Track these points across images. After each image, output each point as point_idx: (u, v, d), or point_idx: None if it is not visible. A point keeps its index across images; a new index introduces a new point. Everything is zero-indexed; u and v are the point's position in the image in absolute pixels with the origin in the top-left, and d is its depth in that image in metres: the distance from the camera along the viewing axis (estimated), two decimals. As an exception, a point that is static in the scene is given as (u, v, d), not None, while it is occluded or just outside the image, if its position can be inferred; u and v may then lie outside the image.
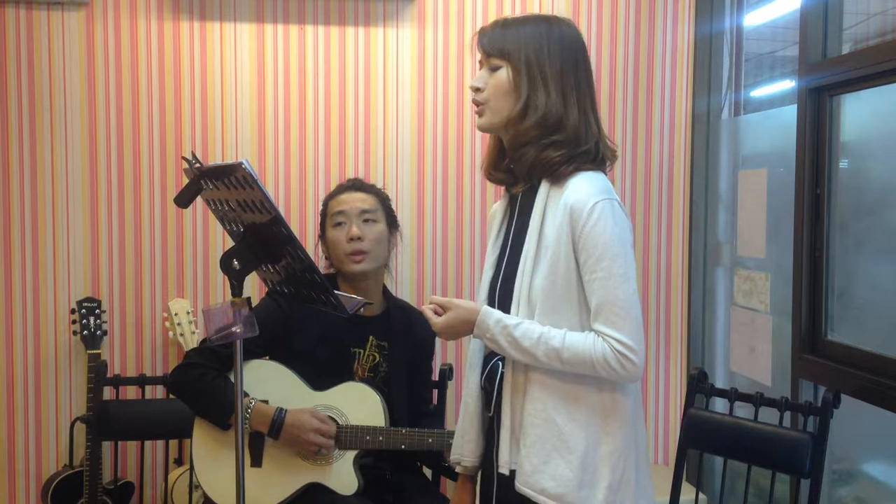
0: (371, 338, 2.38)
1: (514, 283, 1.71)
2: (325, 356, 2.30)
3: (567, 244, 1.63)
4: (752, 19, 3.09)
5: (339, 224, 2.36)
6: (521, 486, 1.65)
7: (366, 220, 2.36)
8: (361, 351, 2.37)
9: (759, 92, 3.19)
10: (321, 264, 2.51)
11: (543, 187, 1.71)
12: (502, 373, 1.72)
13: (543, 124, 1.69)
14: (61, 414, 2.90)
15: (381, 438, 2.21)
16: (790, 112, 2.52)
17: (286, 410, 2.18)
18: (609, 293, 1.61)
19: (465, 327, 1.70)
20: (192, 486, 2.51)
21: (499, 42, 1.73)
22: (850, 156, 2.41)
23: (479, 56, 1.79)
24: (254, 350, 2.24)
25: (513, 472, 1.68)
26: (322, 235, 2.46)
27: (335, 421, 2.23)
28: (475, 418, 1.82)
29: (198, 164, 1.59)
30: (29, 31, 2.83)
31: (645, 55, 3.12)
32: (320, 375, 2.28)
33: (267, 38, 2.94)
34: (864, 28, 2.55)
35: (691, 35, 3.14)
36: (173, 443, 2.80)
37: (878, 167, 2.39)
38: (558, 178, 1.69)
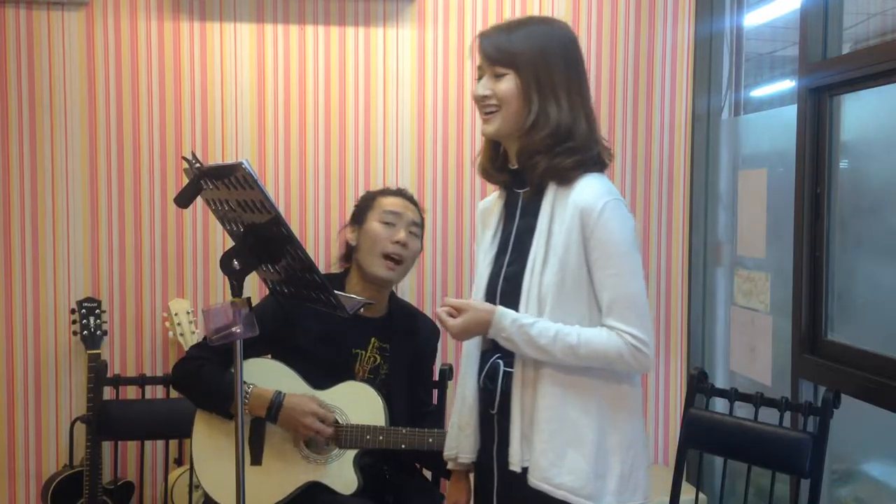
0: (373, 339, 2.38)
1: (519, 280, 1.72)
2: (326, 356, 2.30)
3: (577, 243, 1.66)
4: (752, 19, 3.09)
5: (390, 224, 2.36)
6: (537, 482, 1.66)
7: (411, 232, 2.37)
8: (363, 352, 2.37)
9: (759, 92, 3.19)
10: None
11: (550, 189, 1.73)
12: (505, 371, 1.73)
13: (556, 134, 1.71)
14: (61, 414, 2.90)
15: (381, 438, 2.22)
16: (790, 112, 2.52)
17: (284, 393, 2.19)
18: (621, 290, 1.67)
19: (481, 328, 1.70)
20: (192, 486, 2.51)
21: (504, 49, 1.72)
22: (850, 156, 2.41)
23: (479, 61, 1.76)
24: (255, 348, 2.24)
25: (524, 469, 1.68)
26: (357, 224, 2.43)
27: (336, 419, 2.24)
28: (475, 415, 1.81)
29: (198, 164, 1.59)
30: (29, 31, 2.83)
31: (645, 55, 3.12)
32: (321, 375, 2.28)
33: (267, 38, 2.94)
34: (864, 28, 2.55)
35: (691, 35, 3.14)
36: (173, 443, 2.80)
37: (878, 167, 2.39)
38: (567, 180, 1.71)
